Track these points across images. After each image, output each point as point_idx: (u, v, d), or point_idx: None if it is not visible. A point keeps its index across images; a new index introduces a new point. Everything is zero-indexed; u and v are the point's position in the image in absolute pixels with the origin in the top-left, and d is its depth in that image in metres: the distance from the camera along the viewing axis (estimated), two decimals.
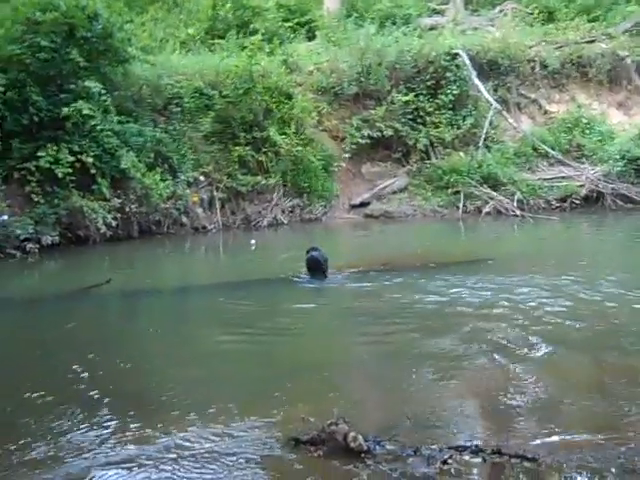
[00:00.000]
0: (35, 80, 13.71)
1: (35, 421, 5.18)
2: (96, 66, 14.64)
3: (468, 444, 4.52)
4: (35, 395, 5.83)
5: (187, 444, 4.67)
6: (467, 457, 4.40)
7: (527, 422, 5.03)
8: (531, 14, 23.60)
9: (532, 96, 20.55)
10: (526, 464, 4.31)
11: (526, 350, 6.51)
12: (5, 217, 13.00)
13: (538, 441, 4.61)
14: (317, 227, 16.42)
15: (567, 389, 5.67)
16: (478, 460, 4.38)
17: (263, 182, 16.44)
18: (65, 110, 13.53)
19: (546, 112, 20.42)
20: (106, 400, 5.51)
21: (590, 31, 21.69)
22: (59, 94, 13.97)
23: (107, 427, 5.00)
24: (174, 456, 4.51)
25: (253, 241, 14.56)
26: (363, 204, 17.73)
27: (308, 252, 10.05)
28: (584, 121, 19.46)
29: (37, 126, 13.72)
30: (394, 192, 17.90)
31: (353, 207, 17.78)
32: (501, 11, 24.70)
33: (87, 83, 13.92)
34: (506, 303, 8.19)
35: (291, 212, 16.83)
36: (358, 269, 10.58)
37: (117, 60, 15.08)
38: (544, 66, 20.59)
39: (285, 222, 16.53)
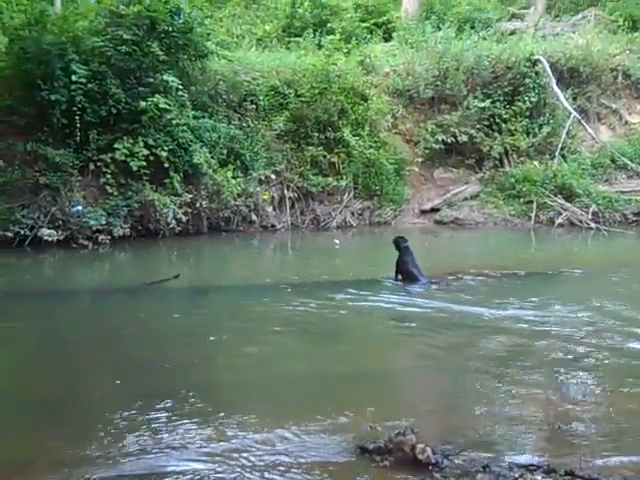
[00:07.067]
0: (115, 73, 13.97)
1: (99, 414, 5.20)
2: (175, 60, 14.84)
3: (540, 463, 4.35)
4: (99, 388, 5.90)
5: (251, 447, 4.62)
6: (539, 477, 4.24)
7: (595, 445, 4.83)
8: (615, 22, 23.06)
9: (613, 106, 20.08)
10: None
11: (596, 370, 6.30)
12: (80, 207, 13.25)
13: (608, 465, 4.42)
14: (386, 231, 16.24)
15: (637, 414, 5.44)
16: None
17: (334, 183, 16.45)
18: (142, 104, 13.73)
19: (627, 123, 19.91)
20: (169, 398, 5.46)
21: None
22: (138, 87, 14.21)
23: (171, 426, 4.97)
24: (238, 460, 4.46)
25: (337, 240, 14.57)
26: (433, 210, 17.53)
27: (397, 243, 10.05)
28: None
29: (115, 118, 13.96)
30: (465, 199, 17.67)
31: (423, 212, 17.59)
32: (584, 17, 24.17)
33: (165, 77, 14.10)
34: (576, 319, 7.97)
35: (360, 215, 16.80)
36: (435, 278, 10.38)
37: (196, 55, 15.27)
38: (627, 75, 20.12)
39: (354, 225, 16.50)
